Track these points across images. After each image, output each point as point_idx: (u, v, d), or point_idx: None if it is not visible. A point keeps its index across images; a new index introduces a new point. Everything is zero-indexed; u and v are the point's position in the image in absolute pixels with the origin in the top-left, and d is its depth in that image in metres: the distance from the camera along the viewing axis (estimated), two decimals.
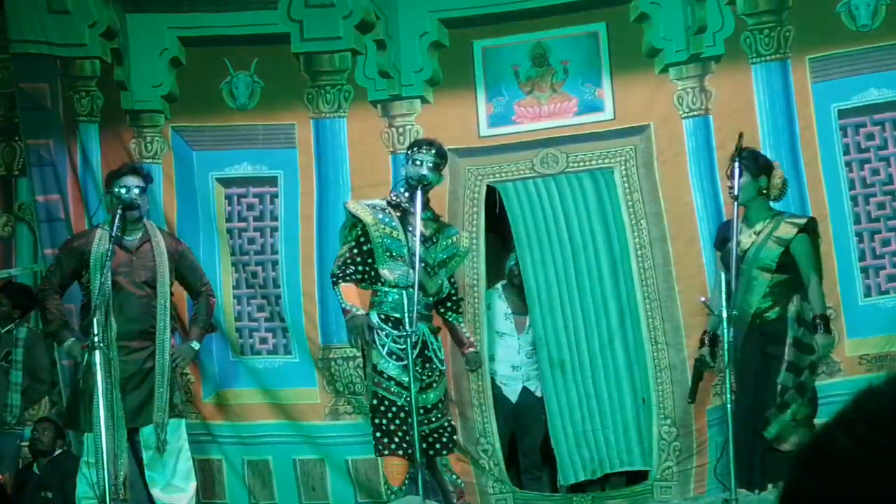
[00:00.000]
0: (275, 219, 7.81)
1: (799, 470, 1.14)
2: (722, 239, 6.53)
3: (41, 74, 7.70)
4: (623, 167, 7.46)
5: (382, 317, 6.36)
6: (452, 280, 6.68)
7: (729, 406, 6.03)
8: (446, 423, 6.51)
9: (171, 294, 6.74)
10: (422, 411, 6.32)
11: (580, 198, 7.49)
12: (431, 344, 6.43)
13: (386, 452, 6.34)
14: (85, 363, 6.36)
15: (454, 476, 6.57)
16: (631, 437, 7.37)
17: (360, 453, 7.40)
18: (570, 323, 7.45)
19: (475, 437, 7.45)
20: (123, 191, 6.56)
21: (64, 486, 7.15)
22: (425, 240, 6.43)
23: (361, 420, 7.40)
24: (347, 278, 6.39)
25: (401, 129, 7.67)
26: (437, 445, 6.47)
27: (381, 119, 7.73)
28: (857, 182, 7.19)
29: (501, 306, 7.66)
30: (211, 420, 7.67)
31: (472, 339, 6.85)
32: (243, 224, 7.83)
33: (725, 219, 6.88)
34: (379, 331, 6.31)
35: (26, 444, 7.88)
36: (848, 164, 7.20)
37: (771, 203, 6.50)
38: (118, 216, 6.46)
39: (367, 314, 6.34)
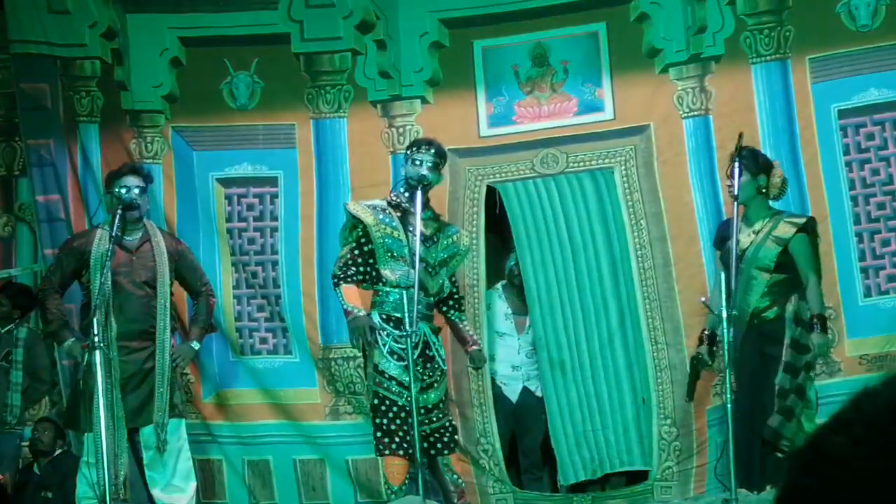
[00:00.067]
0: (275, 219, 7.81)
1: (797, 470, 1.14)
2: (721, 238, 6.53)
3: (41, 74, 7.70)
4: (623, 167, 7.46)
5: (384, 317, 6.36)
6: (453, 279, 6.68)
7: (729, 406, 6.04)
8: (447, 423, 6.51)
9: (171, 294, 6.75)
10: (423, 411, 6.32)
11: (580, 198, 7.49)
12: (433, 344, 6.43)
13: (386, 452, 6.34)
14: (85, 363, 6.36)
15: (455, 476, 6.57)
16: (631, 437, 7.37)
17: (361, 453, 7.40)
18: (570, 323, 7.45)
19: (475, 437, 7.45)
20: (124, 191, 6.56)
21: (64, 486, 7.15)
22: (426, 239, 6.43)
23: (362, 420, 7.40)
24: (349, 279, 6.39)
25: (401, 130, 7.67)
26: (439, 445, 6.47)
27: (381, 119, 7.73)
28: (858, 182, 7.19)
29: (501, 306, 7.66)
30: (211, 420, 7.67)
31: (475, 337, 6.86)
32: (243, 224, 7.83)
33: (725, 218, 6.88)
34: (380, 331, 6.32)
35: (26, 444, 7.88)
36: (848, 164, 7.20)
37: (771, 202, 6.50)
38: (118, 216, 6.46)
39: (369, 315, 6.34)
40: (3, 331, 7.97)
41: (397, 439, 6.30)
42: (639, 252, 7.36)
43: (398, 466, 6.35)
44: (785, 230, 6.35)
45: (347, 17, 7.72)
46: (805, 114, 7.22)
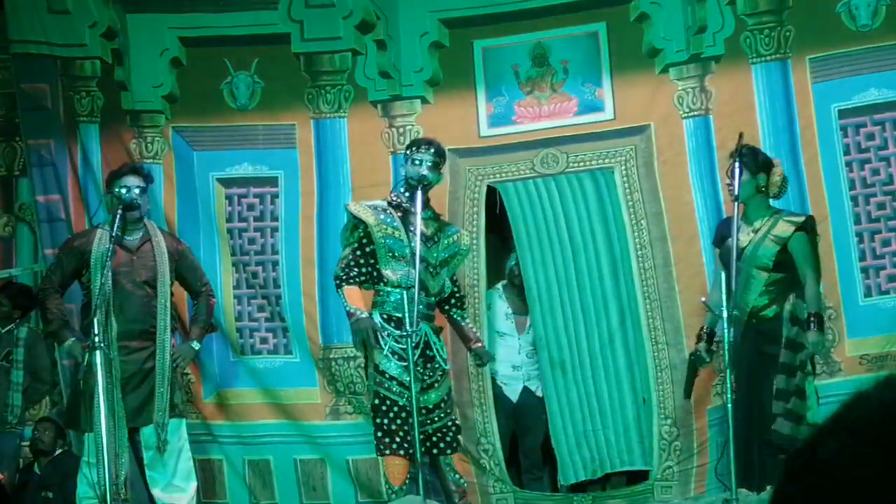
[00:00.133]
0: (275, 219, 7.81)
1: (786, 476, 1.15)
2: (721, 236, 6.53)
3: (41, 75, 7.70)
4: (623, 167, 7.46)
5: (385, 317, 6.36)
6: (454, 278, 6.69)
7: (729, 406, 6.04)
8: (450, 423, 6.51)
9: (172, 294, 6.75)
10: (424, 411, 6.33)
11: (580, 198, 7.49)
12: (434, 344, 6.43)
13: (387, 452, 6.35)
14: (85, 363, 6.36)
15: (457, 476, 6.58)
16: (631, 437, 7.37)
17: (361, 453, 7.41)
18: (570, 323, 7.45)
19: (476, 436, 7.45)
20: (124, 191, 6.57)
21: (64, 486, 7.15)
22: (427, 239, 6.44)
23: (362, 420, 7.41)
24: (351, 281, 6.39)
25: (401, 130, 7.67)
26: (442, 445, 6.47)
27: (381, 119, 7.73)
28: (858, 182, 7.18)
29: (502, 306, 7.66)
30: (211, 420, 7.68)
31: (477, 334, 6.86)
32: (244, 224, 7.83)
33: (725, 217, 6.88)
34: (381, 331, 6.32)
35: (27, 443, 7.89)
36: (848, 164, 7.20)
37: (771, 201, 6.49)
38: (118, 216, 6.46)
39: (371, 316, 6.34)
40: (3, 331, 7.97)
41: (398, 439, 6.30)
42: (639, 252, 7.36)
43: (399, 466, 6.35)
44: (784, 229, 6.35)
45: (347, 17, 7.72)
46: (805, 114, 7.22)
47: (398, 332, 6.28)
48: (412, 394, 6.10)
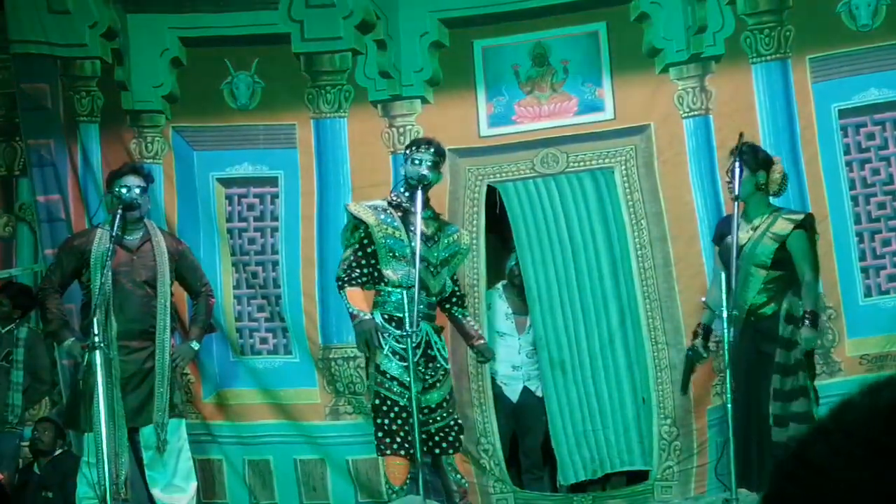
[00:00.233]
0: (275, 219, 7.81)
1: (779, 478, 1.14)
2: (720, 234, 6.52)
3: (41, 75, 7.70)
4: (623, 167, 7.45)
5: (386, 317, 6.36)
6: (454, 277, 6.69)
7: (729, 406, 6.04)
8: (452, 422, 6.51)
9: (172, 294, 6.75)
10: (426, 411, 6.33)
11: (580, 198, 7.49)
12: (435, 343, 6.43)
13: (388, 452, 6.35)
14: (85, 363, 6.36)
15: (458, 476, 6.58)
16: (631, 437, 7.37)
17: (361, 453, 7.41)
18: (570, 323, 7.45)
19: (476, 436, 7.44)
20: (124, 190, 6.57)
21: (64, 486, 7.15)
22: (427, 239, 6.44)
23: (362, 420, 7.41)
24: (353, 282, 6.39)
25: (401, 130, 7.67)
26: (444, 444, 6.48)
27: (381, 119, 7.73)
28: (858, 182, 7.18)
29: (502, 306, 7.66)
30: (211, 420, 7.68)
31: (479, 332, 6.86)
32: (244, 224, 7.83)
33: (725, 215, 6.87)
34: (382, 331, 6.32)
35: (27, 443, 7.88)
36: (848, 163, 7.20)
37: (771, 199, 6.49)
38: (118, 216, 6.46)
39: (373, 317, 6.34)
40: (3, 331, 7.97)
41: (398, 439, 6.30)
42: (639, 252, 7.36)
43: (399, 466, 6.35)
44: (783, 226, 6.34)
45: (348, 17, 7.72)
46: (805, 113, 7.22)
47: (399, 332, 6.28)
48: (412, 394, 6.10)
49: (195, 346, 6.86)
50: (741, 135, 6.34)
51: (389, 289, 6.39)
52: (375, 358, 6.34)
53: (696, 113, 7.39)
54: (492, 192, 7.58)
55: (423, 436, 6.28)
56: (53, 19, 7.70)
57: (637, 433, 7.36)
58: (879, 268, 7.17)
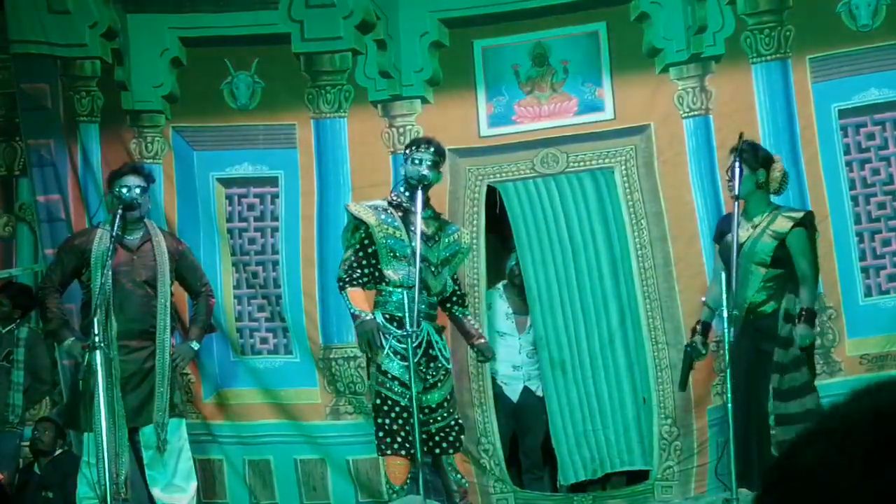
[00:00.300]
0: (275, 219, 7.81)
1: (767, 485, 1.15)
2: (720, 232, 6.53)
3: (41, 75, 7.70)
4: (623, 167, 7.46)
5: (387, 316, 6.36)
6: (455, 276, 6.70)
7: (730, 406, 6.03)
8: (453, 422, 6.51)
9: (172, 294, 6.75)
10: (427, 411, 6.34)
11: (580, 198, 7.49)
12: (436, 343, 6.44)
13: (388, 452, 6.35)
14: (85, 363, 6.36)
15: (459, 475, 6.58)
16: (631, 437, 7.37)
17: (361, 453, 7.41)
18: (570, 323, 7.45)
19: (476, 436, 7.44)
20: (125, 190, 6.57)
21: (65, 486, 7.15)
22: (427, 238, 6.44)
23: (362, 420, 7.41)
24: (354, 282, 6.39)
25: (401, 130, 7.67)
26: (444, 444, 6.48)
27: (381, 119, 7.73)
28: (858, 182, 7.18)
29: (502, 306, 7.66)
30: (211, 420, 7.67)
31: (480, 331, 6.86)
32: (244, 224, 7.83)
33: (726, 213, 6.87)
34: (383, 331, 6.32)
35: (27, 443, 7.88)
36: (848, 163, 7.20)
37: (772, 197, 6.48)
38: (118, 216, 6.46)
39: (375, 318, 6.34)
40: (4, 331, 7.97)
41: (399, 439, 6.30)
42: (639, 252, 7.36)
43: (400, 466, 6.35)
44: (782, 224, 6.34)
45: (348, 16, 7.72)
46: (805, 113, 7.22)
47: (400, 331, 6.28)
48: (413, 394, 6.10)
49: (195, 346, 6.86)
50: (741, 135, 6.34)
51: (390, 289, 6.39)
52: (377, 358, 6.34)
53: (696, 113, 7.39)
54: (492, 192, 7.58)
55: (424, 436, 6.28)
56: (53, 19, 7.70)
57: (637, 433, 7.36)
58: (879, 268, 7.17)
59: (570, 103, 7.60)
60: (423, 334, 6.33)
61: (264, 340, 7.76)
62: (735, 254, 6.11)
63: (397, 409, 6.30)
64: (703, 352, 6.54)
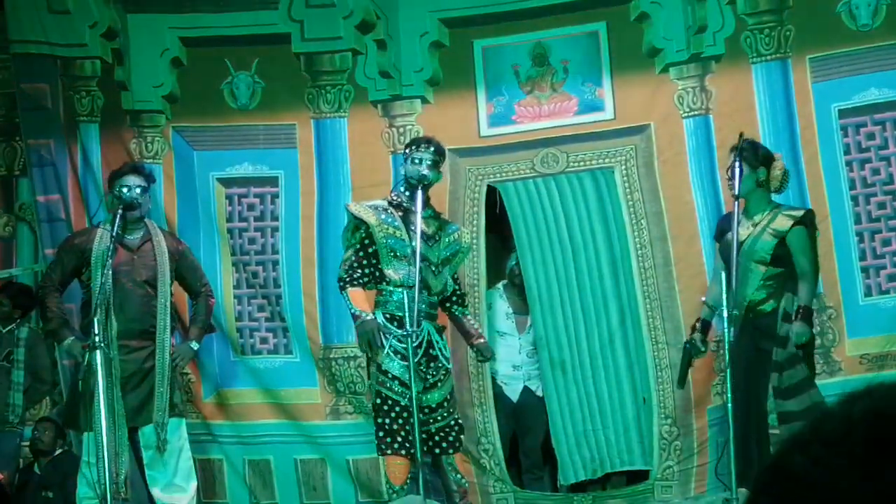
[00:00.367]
0: (275, 219, 7.81)
1: (759, 488, 1.15)
2: (721, 231, 6.52)
3: (41, 74, 7.70)
4: (623, 167, 7.46)
5: (387, 316, 6.36)
6: (455, 276, 6.70)
7: (730, 406, 6.03)
8: (453, 422, 6.51)
9: (172, 294, 6.75)
10: (427, 410, 6.34)
11: (580, 198, 7.50)
12: (437, 343, 6.43)
13: (388, 452, 6.35)
14: (85, 362, 6.36)
15: (458, 475, 6.58)
16: (631, 437, 7.37)
17: (361, 453, 7.41)
18: (570, 322, 7.45)
19: (476, 436, 7.44)
20: (125, 190, 6.58)
21: (65, 485, 7.15)
22: (428, 238, 6.44)
23: (362, 420, 7.41)
24: (355, 282, 6.39)
25: (401, 129, 7.67)
26: (444, 444, 6.48)
27: (381, 119, 7.74)
28: (858, 182, 7.18)
29: (502, 306, 7.66)
30: (211, 420, 7.68)
31: (479, 330, 6.86)
32: (244, 224, 7.83)
33: (726, 212, 6.87)
34: (384, 331, 6.32)
35: (27, 443, 7.88)
36: (848, 163, 7.20)
37: (773, 195, 6.48)
38: (118, 215, 6.46)
39: (375, 317, 6.34)
40: (4, 330, 7.97)
41: (399, 439, 6.30)
42: (639, 251, 7.36)
43: (400, 466, 6.35)
44: (782, 223, 6.33)
45: (348, 16, 7.73)
46: (805, 113, 7.22)
47: (400, 331, 6.28)
48: (413, 394, 6.10)
49: (195, 345, 6.86)
50: (741, 135, 6.34)
51: (391, 288, 6.39)
52: (377, 358, 6.34)
53: (696, 113, 7.39)
54: (492, 192, 7.58)
55: (424, 435, 6.28)
56: (53, 19, 7.71)
57: (637, 433, 7.36)
58: (879, 267, 7.17)
59: (570, 103, 7.60)
60: (424, 334, 6.33)
61: (264, 340, 7.77)
62: (735, 252, 6.10)
63: (397, 408, 6.30)
64: (703, 349, 6.53)
